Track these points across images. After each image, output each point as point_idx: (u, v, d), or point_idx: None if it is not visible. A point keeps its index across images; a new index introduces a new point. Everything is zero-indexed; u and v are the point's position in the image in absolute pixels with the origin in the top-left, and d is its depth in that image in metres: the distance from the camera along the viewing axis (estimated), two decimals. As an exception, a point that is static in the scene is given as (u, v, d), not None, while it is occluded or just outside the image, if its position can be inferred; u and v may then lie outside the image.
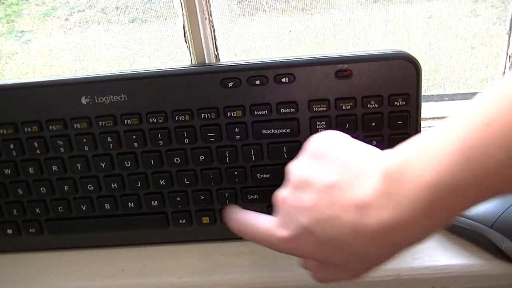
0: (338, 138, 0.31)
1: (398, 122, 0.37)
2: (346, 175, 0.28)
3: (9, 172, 0.40)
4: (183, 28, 0.39)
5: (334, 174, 0.28)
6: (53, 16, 0.52)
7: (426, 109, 0.50)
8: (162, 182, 0.40)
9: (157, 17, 0.50)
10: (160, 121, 0.38)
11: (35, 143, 0.39)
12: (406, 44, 0.52)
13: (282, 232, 0.30)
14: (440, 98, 0.54)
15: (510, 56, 0.50)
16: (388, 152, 0.27)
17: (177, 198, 0.40)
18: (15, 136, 0.39)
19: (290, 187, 0.30)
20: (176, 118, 0.38)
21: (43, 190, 0.40)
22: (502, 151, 0.21)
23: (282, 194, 0.31)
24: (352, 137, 0.30)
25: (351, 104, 0.37)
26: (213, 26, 0.39)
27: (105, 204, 0.41)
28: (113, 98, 0.38)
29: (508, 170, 0.21)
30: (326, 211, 0.28)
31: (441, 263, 0.38)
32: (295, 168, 0.31)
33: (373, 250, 0.27)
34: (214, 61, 0.40)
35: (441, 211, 0.24)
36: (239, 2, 0.49)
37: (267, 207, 0.39)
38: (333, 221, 0.27)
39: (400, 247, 0.27)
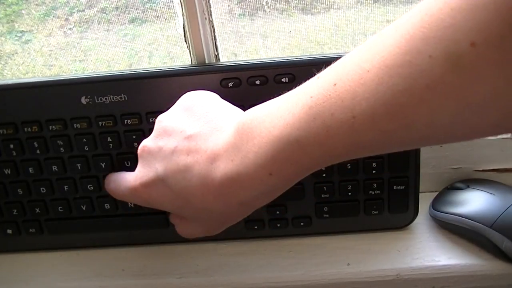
0: (207, 96, 0.32)
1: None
2: (205, 128, 0.28)
3: (9, 172, 0.40)
4: (183, 28, 0.39)
5: (196, 126, 0.29)
6: (53, 16, 0.52)
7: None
8: (162, 182, 0.40)
9: (157, 17, 0.50)
10: (160, 121, 0.38)
11: (35, 143, 0.39)
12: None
13: (137, 181, 0.31)
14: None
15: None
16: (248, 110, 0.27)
17: (177, 198, 0.40)
18: (15, 136, 0.39)
19: (153, 136, 0.31)
20: (176, 118, 0.38)
21: (43, 190, 0.40)
22: (344, 112, 0.21)
23: (144, 143, 0.31)
24: None
25: (351, 104, 0.37)
26: (213, 26, 0.39)
27: (105, 204, 0.41)
28: (113, 98, 0.37)
29: (346, 135, 0.21)
30: (180, 162, 0.28)
31: (441, 263, 0.38)
32: (162, 119, 0.31)
33: (219, 206, 0.28)
34: (214, 61, 0.40)
35: (285, 168, 0.24)
36: (239, 2, 0.49)
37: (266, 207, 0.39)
38: (185, 172, 0.28)
39: (246, 205, 0.28)
